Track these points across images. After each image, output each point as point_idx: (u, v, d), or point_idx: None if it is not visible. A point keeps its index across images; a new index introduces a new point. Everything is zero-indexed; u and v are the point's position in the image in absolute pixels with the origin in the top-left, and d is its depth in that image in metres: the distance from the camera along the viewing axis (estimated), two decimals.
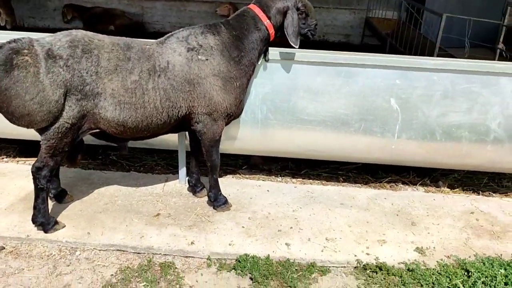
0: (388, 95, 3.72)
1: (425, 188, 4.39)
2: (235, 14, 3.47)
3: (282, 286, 2.96)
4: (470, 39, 6.89)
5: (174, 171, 4.35)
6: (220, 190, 3.71)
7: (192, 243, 3.26)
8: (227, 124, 3.52)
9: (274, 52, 3.63)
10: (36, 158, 3.09)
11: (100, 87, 2.94)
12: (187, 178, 4.03)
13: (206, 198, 3.80)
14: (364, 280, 3.05)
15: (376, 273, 3.09)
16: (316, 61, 3.66)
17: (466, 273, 3.10)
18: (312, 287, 2.98)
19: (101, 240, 3.23)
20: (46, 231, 3.24)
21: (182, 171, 4.07)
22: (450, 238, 3.53)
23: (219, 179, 3.74)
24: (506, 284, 2.97)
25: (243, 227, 3.49)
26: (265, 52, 3.57)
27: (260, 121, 3.84)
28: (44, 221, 3.23)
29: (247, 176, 4.41)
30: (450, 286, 2.98)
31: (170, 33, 3.31)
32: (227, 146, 3.99)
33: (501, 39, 7.06)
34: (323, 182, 4.41)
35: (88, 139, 3.37)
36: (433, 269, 3.15)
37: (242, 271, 3.03)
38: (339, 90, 3.72)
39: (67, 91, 2.86)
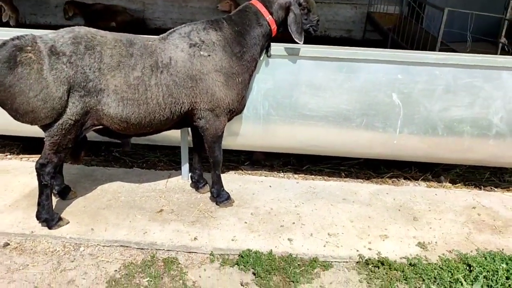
0: (390, 90, 3.72)
1: (427, 183, 4.39)
2: (237, 9, 3.47)
3: (284, 281, 2.97)
4: (472, 33, 6.88)
5: (177, 167, 4.36)
6: (222, 186, 3.72)
7: (195, 238, 3.28)
8: (229, 120, 3.53)
9: (276, 48, 3.63)
10: (39, 155, 3.11)
11: (103, 83, 2.96)
12: (189, 174, 4.04)
13: (208, 194, 3.82)
14: (366, 275, 3.07)
15: (378, 268, 3.10)
16: (318, 56, 3.66)
17: (467, 268, 3.11)
18: (315, 282, 3.00)
19: (105, 236, 3.24)
20: (50, 227, 3.26)
21: (185, 167, 4.08)
22: (452, 233, 3.54)
23: (222, 175, 3.75)
24: (507, 278, 2.98)
25: (245, 222, 3.51)
26: (267, 48, 3.57)
27: (262, 117, 3.85)
28: (48, 217, 3.25)
29: (249, 172, 4.43)
30: (452, 281, 2.99)
31: (172, 29, 3.32)
32: (229, 142, 4.00)
33: (503, 33, 7.04)
34: (325, 177, 4.42)
35: (90, 135, 3.38)
36: (435, 263, 3.16)
37: (245, 266, 3.05)
38: (341, 85, 3.73)
39: (70, 87, 2.87)
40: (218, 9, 10.30)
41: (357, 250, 3.25)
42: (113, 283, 2.88)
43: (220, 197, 3.70)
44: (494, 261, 3.14)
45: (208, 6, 10.72)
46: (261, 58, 3.58)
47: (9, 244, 3.16)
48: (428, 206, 3.90)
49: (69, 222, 3.35)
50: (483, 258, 3.18)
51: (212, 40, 3.23)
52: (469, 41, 6.93)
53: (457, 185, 4.37)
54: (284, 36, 3.48)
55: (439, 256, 3.24)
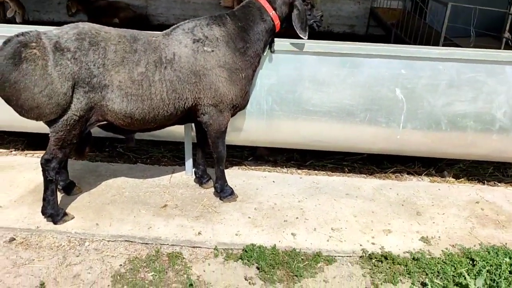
0: (393, 85, 3.72)
1: (430, 178, 4.40)
2: (241, 5, 3.47)
3: (288, 275, 2.99)
4: (475, 28, 6.84)
5: (181, 162, 4.38)
6: (226, 181, 3.74)
7: (199, 233, 3.30)
8: (233, 115, 3.54)
9: (279, 43, 3.64)
10: (44, 151, 3.13)
11: (107, 79, 2.97)
12: (193, 169, 4.06)
13: (212, 189, 3.84)
14: (370, 269, 3.08)
15: (382, 262, 3.11)
16: (322, 51, 3.67)
17: (471, 262, 3.12)
18: (318, 276, 3.01)
19: (110, 231, 3.27)
20: (55, 223, 3.29)
21: (189, 162, 4.10)
22: (455, 228, 3.54)
23: (225, 170, 3.77)
24: (510, 272, 2.99)
25: (249, 217, 3.52)
26: (270, 43, 3.58)
27: (266, 112, 3.86)
28: (54, 212, 3.27)
29: (253, 167, 4.44)
30: (455, 275, 3.00)
31: (176, 25, 3.32)
32: (233, 137, 4.01)
33: (507, 28, 7.01)
34: (329, 173, 4.43)
35: (95, 131, 3.40)
36: (438, 258, 3.17)
37: (248, 261, 3.07)
38: (344, 80, 3.73)
39: (75, 83, 2.89)
40: (221, 5, 10.28)
41: (361, 245, 3.27)
42: (118, 277, 2.91)
43: (224, 192, 3.71)
44: (497, 256, 3.14)
45: (210, 2, 10.70)
46: (264, 54, 3.58)
47: (15, 239, 3.19)
48: (431, 201, 3.91)
49: (74, 217, 3.37)
50: (486, 253, 3.19)
51: (216, 35, 3.24)
52: (472, 36, 6.89)
53: (460, 180, 4.37)
54: (287, 31, 3.48)
55: (442, 250, 3.25)
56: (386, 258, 3.13)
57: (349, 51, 3.66)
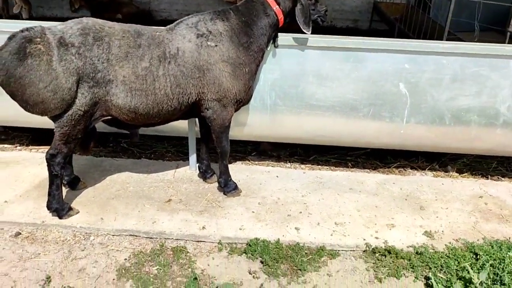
0: (397, 80, 3.72)
1: (434, 172, 4.40)
2: (244, 0, 3.47)
3: (292, 269, 3.01)
4: (479, 23, 6.80)
5: (185, 157, 4.40)
6: (230, 176, 3.75)
7: (203, 227, 3.31)
8: (236, 110, 3.55)
9: (283, 38, 3.63)
10: (48, 146, 3.15)
11: (112, 74, 2.98)
12: (197, 164, 4.07)
13: (216, 184, 3.85)
14: (373, 263, 3.09)
15: (385, 257, 3.12)
16: (325, 46, 3.66)
17: (474, 256, 3.12)
18: (322, 270, 3.03)
19: (114, 226, 3.29)
20: (60, 217, 3.31)
21: (193, 157, 4.11)
22: (458, 222, 3.55)
23: (229, 165, 3.78)
24: None
25: (253, 212, 3.53)
26: (274, 38, 3.57)
27: (269, 107, 3.86)
28: (59, 207, 3.29)
29: (256, 162, 4.45)
30: (458, 269, 3.00)
31: (179, 20, 3.33)
32: (236, 132, 4.02)
33: (511, 22, 6.96)
34: (332, 167, 4.43)
35: (99, 126, 3.41)
36: (442, 252, 3.18)
37: (252, 255, 3.08)
38: (348, 75, 3.73)
39: (79, 78, 2.90)
40: (223, 0, 10.25)
41: (364, 239, 3.28)
42: (123, 271, 2.93)
43: (228, 187, 3.73)
44: (501, 250, 3.15)
45: None
46: (268, 49, 3.58)
47: (20, 234, 3.21)
48: (434, 195, 3.91)
49: (79, 212, 3.40)
50: (490, 247, 3.20)
51: (219, 30, 3.24)
52: (477, 30, 6.85)
53: (464, 174, 4.37)
54: (290, 26, 3.48)
55: (445, 244, 3.26)
56: (389, 252, 3.14)
57: (353, 46, 3.65)
